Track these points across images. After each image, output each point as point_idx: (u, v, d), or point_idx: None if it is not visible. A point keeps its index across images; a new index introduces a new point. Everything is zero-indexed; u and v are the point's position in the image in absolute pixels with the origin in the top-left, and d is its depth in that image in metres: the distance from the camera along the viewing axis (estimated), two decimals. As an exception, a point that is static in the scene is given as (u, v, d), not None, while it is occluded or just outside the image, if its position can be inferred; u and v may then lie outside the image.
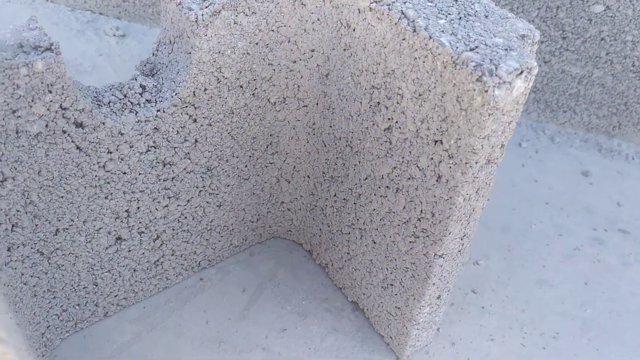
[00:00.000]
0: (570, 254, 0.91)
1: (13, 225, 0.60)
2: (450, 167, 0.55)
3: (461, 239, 0.63)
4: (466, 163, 0.53)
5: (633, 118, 1.07)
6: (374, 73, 0.60)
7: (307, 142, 0.75)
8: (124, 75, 1.10)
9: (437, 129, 0.55)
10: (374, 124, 0.63)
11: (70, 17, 1.21)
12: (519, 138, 1.10)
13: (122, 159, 0.64)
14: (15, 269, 0.63)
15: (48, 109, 0.55)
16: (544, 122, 1.12)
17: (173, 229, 0.75)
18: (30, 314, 0.67)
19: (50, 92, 0.54)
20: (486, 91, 0.48)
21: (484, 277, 0.87)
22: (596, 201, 0.99)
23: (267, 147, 0.76)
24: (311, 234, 0.85)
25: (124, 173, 0.65)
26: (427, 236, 0.62)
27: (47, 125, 0.56)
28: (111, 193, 0.65)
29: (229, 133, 0.71)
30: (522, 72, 0.49)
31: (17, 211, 0.59)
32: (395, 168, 0.63)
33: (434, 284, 0.66)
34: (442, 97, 0.53)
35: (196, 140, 0.69)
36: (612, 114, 1.08)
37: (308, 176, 0.79)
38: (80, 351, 0.73)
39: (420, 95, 0.55)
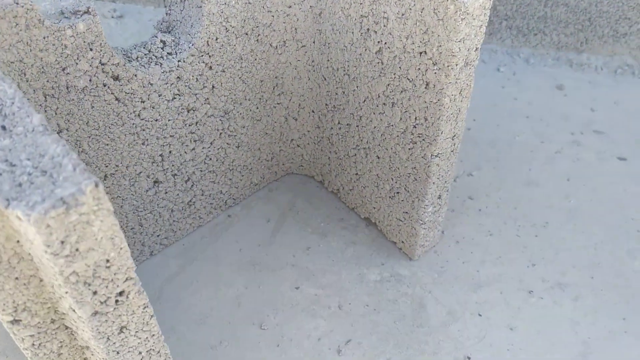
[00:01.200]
0: (552, 156, 1.02)
1: (70, 173, 0.70)
2: (435, 72, 0.65)
3: (452, 139, 0.73)
4: (448, 66, 0.63)
5: (598, 32, 1.17)
6: (361, 3, 0.70)
7: (309, 79, 0.85)
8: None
9: (421, 42, 0.65)
10: (366, 49, 0.73)
11: (70, 5, 1.29)
12: (497, 64, 1.20)
13: (153, 107, 0.73)
14: (75, 212, 0.73)
15: (90, 65, 0.65)
16: (517, 46, 1.22)
17: (201, 171, 0.85)
18: (91, 253, 0.78)
19: (91, 49, 0.64)
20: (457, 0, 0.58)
21: (478, 185, 0.98)
22: (571, 110, 1.10)
23: (273, 88, 0.86)
24: (321, 165, 0.95)
25: (156, 120, 0.75)
26: (423, 139, 0.73)
27: (90, 80, 0.66)
28: (147, 139, 0.75)
29: (240, 78, 0.81)
30: (484, -20, 0.59)
31: (73, 159, 0.69)
32: (388, 85, 0.73)
33: (434, 183, 0.77)
34: (422, 12, 0.63)
35: (213, 86, 0.78)
36: (578, 30, 1.18)
37: (312, 111, 0.89)
38: (134, 286, 0.84)
39: (402, 14, 0.65)
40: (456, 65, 0.63)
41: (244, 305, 0.82)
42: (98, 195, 0.40)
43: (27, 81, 0.60)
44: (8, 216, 0.39)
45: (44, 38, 0.59)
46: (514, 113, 1.10)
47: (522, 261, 0.87)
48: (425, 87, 0.68)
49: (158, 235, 0.86)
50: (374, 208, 0.89)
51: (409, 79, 0.69)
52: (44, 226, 0.38)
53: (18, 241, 0.41)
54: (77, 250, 0.41)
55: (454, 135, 0.73)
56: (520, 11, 1.17)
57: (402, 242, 0.87)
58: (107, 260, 0.44)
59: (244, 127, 0.87)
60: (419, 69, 0.67)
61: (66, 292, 0.43)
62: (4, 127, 0.44)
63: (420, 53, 0.66)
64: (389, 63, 0.71)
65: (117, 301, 0.47)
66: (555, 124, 1.07)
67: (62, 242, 0.40)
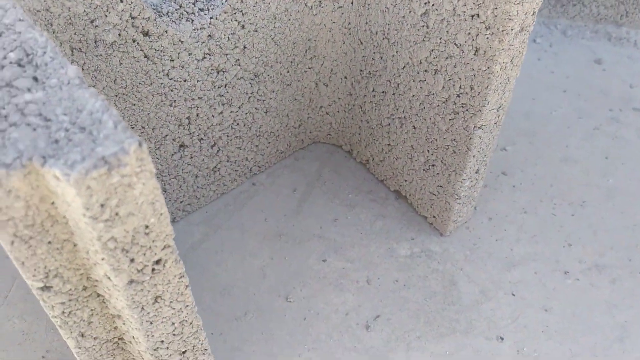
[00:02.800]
0: (591, 133, 0.98)
1: (95, 133, 0.67)
2: (487, 37, 0.61)
3: (497, 110, 0.69)
4: (503, 31, 0.59)
5: (639, 5, 1.12)
6: (408, -39, 0.65)
7: (343, 42, 0.81)
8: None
9: (474, 3, 0.60)
10: (410, 11, 0.68)
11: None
12: (533, 35, 1.15)
13: (182, 67, 0.69)
14: (99, 174, 0.70)
15: (120, 18, 0.61)
16: (555, 17, 1.17)
17: (227, 136, 0.82)
18: (113, 217, 0.75)
19: (121, 1, 0.59)
20: (520, -43, 0.54)
21: (512, 160, 0.94)
22: (610, 85, 1.05)
23: (306, 51, 0.82)
24: (350, 134, 0.91)
25: (185, 80, 0.71)
26: (467, 110, 0.69)
27: (120, 34, 0.62)
28: (174, 100, 0.72)
29: (272, 39, 0.76)
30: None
31: (99, 118, 0.66)
32: (433, 50, 0.69)
33: (474, 156, 0.73)
34: (478, -29, 0.58)
35: (244, 47, 0.74)
36: (619, 3, 1.13)
37: (345, 77, 0.85)
38: (156, 253, 0.81)
39: (455, -27, 0.61)
40: (511, 30, 0.59)
41: (269, 276, 0.79)
42: (142, 156, 0.36)
43: (53, 32, 0.57)
44: (44, 175, 0.36)
45: (73, -14, 0.55)
46: (551, 86, 1.05)
47: (558, 241, 0.84)
48: (474, 54, 0.64)
49: (181, 202, 0.83)
50: (406, 181, 0.85)
51: (456, 44, 0.65)
52: (84, 187, 0.35)
53: (53, 203, 0.38)
54: (116, 214, 0.38)
55: (500, 107, 0.69)
56: (560, -21, 1.11)
57: (434, 217, 0.84)
58: (147, 227, 0.40)
59: (273, 92, 0.83)
60: (469, 33, 0.63)
61: (102, 259, 0.40)
62: (36, 79, 0.40)
63: (472, 16, 0.61)
64: (435, 27, 0.66)
65: (153, 270, 0.44)
66: (594, 99, 1.03)
67: (102, 206, 0.36)
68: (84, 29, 0.59)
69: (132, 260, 0.42)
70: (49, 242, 0.40)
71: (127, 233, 0.40)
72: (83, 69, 0.61)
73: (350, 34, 0.79)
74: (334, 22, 0.79)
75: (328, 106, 0.90)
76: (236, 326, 0.75)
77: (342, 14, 0.78)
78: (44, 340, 0.73)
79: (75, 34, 0.58)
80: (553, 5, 1.16)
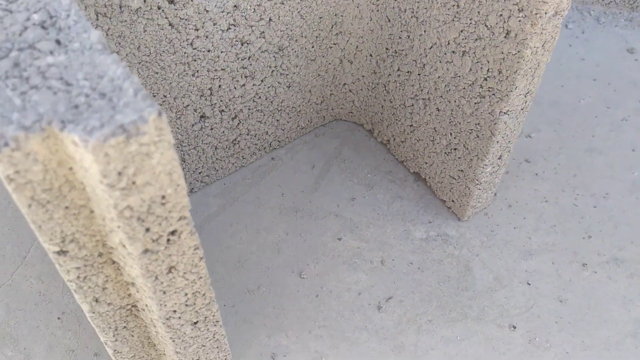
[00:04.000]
0: (618, 124, 0.95)
1: (116, 100, 0.67)
2: (520, 20, 0.59)
3: (525, 96, 0.67)
4: (536, 14, 0.57)
5: (680, -7, 1.08)
6: (442, -63, 0.63)
7: (371, 19, 0.79)
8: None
9: (508, -16, 0.58)
10: (441, -10, 0.67)
11: None
12: (566, 20, 1.12)
13: (207, 37, 0.69)
14: (119, 141, 0.70)
15: (146, -16, 0.60)
16: (589, 3, 1.14)
17: (249, 109, 0.81)
18: (132, 185, 0.75)
19: (148, -33, 0.59)
20: (559, -62, 0.52)
21: (536, 147, 0.92)
22: (642, 75, 1.03)
23: (332, 27, 0.81)
24: (372, 113, 0.90)
25: (208, 51, 0.70)
26: (493, 94, 0.67)
27: (145, 1, 0.61)
28: (197, 70, 0.71)
29: (298, 12, 0.75)
30: None
31: (121, 85, 0.66)
32: (462, 31, 0.67)
33: (497, 142, 0.71)
34: (514, -50, 0.56)
35: (270, 19, 0.73)
36: (659, -10, 1.09)
37: (370, 55, 0.84)
38: (173, 222, 0.82)
39: (490, -48, 0.59)
40: (545, 13, 0.57)
41: (284, 251, 0.79)
42: (161, 126, 0.36)
43: (79, -4, 0.56)
44: (62, 140, 0.36)
45: (100, -50, 0.55)
46: (581, 74, 1.03)
47: (578, 232, 0.82)
48: (505, 36, 0.62)
49: (200, 173, 0.83)
50: (426, 163, 0.84)
51: (487, 26, 0.63)
52: (102, 154, 0.34)
53: (71, 168, 0.38)
54: (133, 183, 0.38)
55: (528, 92, 0.67)
56: (598, -37, 1.08)
57: (453, 201, 0.83)
58: (163, 197, 0.40)
59: (297, 67, 0.82)
60: (501, 15, 0.61)
61: (118, 227, 0.40)
62: (58, 42, 0.40)
63: (505, -2, 0.60)
64: (466, 7, 0.65)
65: (168, 240, 0.44)
66: (624, 89, 1.00)
67: (120, 174, 0.36)
68: (109, -7, 0.58)
69: (147, 230, 0.42)
70: (66, 207, 0.40)
71: (144, 202, 0.39)
72: (107, 35, 0.61)
73: (378, 10, 0.78)
74: (362, -2, 0.78)
75: (351, 84, 0.89)
76: (249, 299, 0.75)
77: (371, -11, 0.76)
78: (59, 302, 0.74)
79: (100, -2, 0.58)
80: (588, -10, 1.12)
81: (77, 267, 0.44)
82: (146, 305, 0.50)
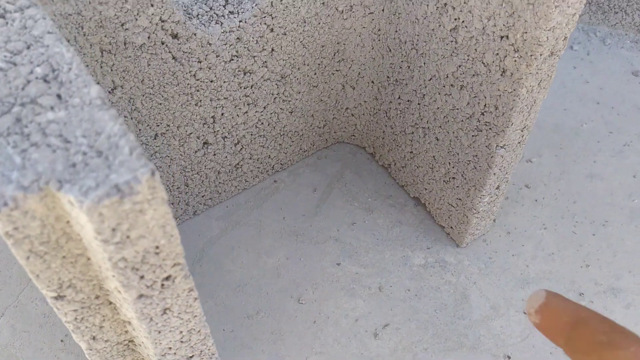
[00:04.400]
0: (620, 149, 0.95)
1: (120, 130, 0.68)
2: (515, 60, 0.60)
3: (522, 130, 0.68)
4: (531, 55, 0.58)
5: (686, 16, 1.08)
6: (441, -24, 0.64)
7: (372, 48, 0.80)
8: None
9: (504, 25, 0.59)
10: (440, 25, 0.67)
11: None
12: (571, 41, 1.12)
13: (209, 68, 0.70)
14: (123, 169, 0.72)
15: (150, 22, 0.61)
16: (595, 24, 1.14)
17: (251, 134, 0.82)
18: (135, 210, 0.77)
19: (152, 5, 0.60)
20: (553, -15, 0.52)
21: (536, 173, 0.93)
22: (646, 100, 1.03)
23: (334, 54, 0.82)
24: (374, 137, 0.91)
25: (211, 81, 0.72)
26: (490, 129, 0.68)
27: (149, 37, 0.62)
28: (200, 100, 0.73)
29: (301, 42, 0.76)
30: (587, -34, 0.53)
31: (125, 117, 0.67)
32: (460, 66, 0.68)
33: (494, 174, 0.72)
34: (510, -6, 0.57)
35: (272, 50, 0.74)
36: (665, 13, 1.09)
37: (372, 82, 0.85)
38: (175, 244, 0.83)
39: (487, -6, 0.59)
40: (540, 55, 0.58)
41: (283, 276, 0.81)
42: (154, 185, 0.37)
43: (84, 35, 0.58)
44: (60, 198, 0.37)
45: (104, -9, 0.56)
46: (584, 98, 1.03)
47: (576, 260, 0.83)
48: (501, 74, 0.63)
49: (203, 196, 0.85)
50: (425, 189, 0.85)
51: (483, 63, 0.64)
52: (96, 214, 0.36)
53: (68, 222, 0.40)
54: (127, 237, 0.39)
55: (524, 127, 0.68)
56: (603, -14, 1.08)
57: (451, 227, 0.84)
58: (157, 247, 0.42)
59: (299, 93, 0.83)
60: (497, 54, 0.62)
61: (113, 276, 0.42)
62: (59, 96, 0.41)
63: (502, 37, 0.60)
64: (464, 43, 0.65)
65: (163, 285, 0.45)
66: (628, 114, 1.00)
67: (114, 230, 0.38)
68: (114, 31, 0.60)
69: (142, 277, 0.43)
70: (64, 257, 0.42)
71: (138, 253, 0.41)
72: (111, 70, 0.62)
73: (379, 40, 0.79)
74: (364, 27, 0.79)
75: (354, 108, 0.90)
76: (247, 324, 0.76)
77: (373, 20, 0.77)
78: (62, 324, 0.76)
79: (105, 36, 0.59)
80: (594, 12, 1.12)
81: (74, 310, 0.46)
82: (142, 342, 0.52)
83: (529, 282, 0.80)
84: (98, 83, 0.62)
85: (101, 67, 0.61)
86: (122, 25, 0.60)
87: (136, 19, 0.60)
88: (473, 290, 0.80)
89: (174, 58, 0.66)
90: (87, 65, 0.59)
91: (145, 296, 0.45)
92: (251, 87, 0.76)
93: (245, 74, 0.74)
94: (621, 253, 0.84)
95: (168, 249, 0.43)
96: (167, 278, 0.45)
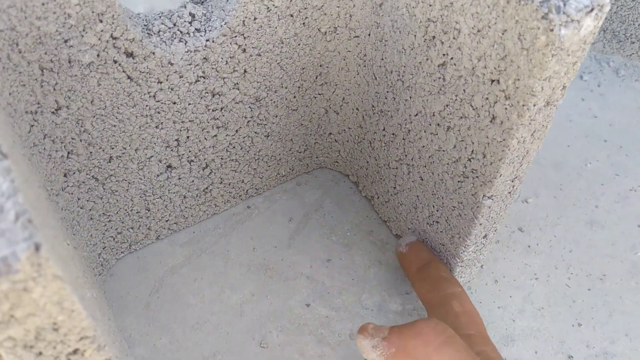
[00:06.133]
0: (626, 194, 0.88)
1: (69, 153, 0.62)
2: (506, 108, 0.53)
3: (512, 181, 0.61)
4: (523, 105, 0.51)
5: None
6: (430, 5, 0.57)
7: (358, 73, 0.74)
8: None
9: (495, 68, 0.52)
10: (427, 59, 0.60)
11: None
12: (581, 70, 1.04)
13: (171, 89, 0.64)
14: (72, 193, 0.65)
15: (99, 39, 0.55)
16: (609, 53, 1.06)
17: (222, 158, 0.76)
18: (88, 235, 0.70)
19: (101, 21, 0.54)
20: (552, 30, 0.45)
21: (532, 215, 0.86)
22: (658, 140, 0.95)
23: (316, 77, 0.75)
24: (358, 166, 0.84)
25: (174, 103, 0.65)
26: (477, 177, 0.61)
27: (98, 55, 0.56)
28: (162, 122, 0.66)
29: (278, 63, 0.70)
30: (592, 10, 0.45)
31: (72, 139, 0.61)
32: (447, 106, 0.61)
33: (480, 224, 0.65)
34: (503, 34, 0.50)
35: (245, 71, 0.68)
36: (685, 46, 1.01)
37: (357, 108, 0.78)
38: (134, 271, 0.77)
39: (479, 31, 0.52)
40: (534, 105, 0.51)
41: (246, 315, 0.74)
42: (38, 262, 0.31)
43: (19, 52, 0.51)
44: None
45: (43, 5, 0.50)
46: (591, 134, 0.95)
47: (568, 318, 0.76)
48: (491, 121, 0.56)
49: (167, 221, 0.78)
50: (409, 229, 0.78)
51: (472, 106, 0.57)
52: (-40, 297, 0.30)
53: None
54: (11, 316, 0.33)
55: (515, 178, 0.61)
56: (620, 14, 1.00)
57: (434, 272, 0.77)
58: (54, 323, 0.35)
59: (276, 117, 0.76)
60: (487, 98, 0.55)
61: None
62: (-50, 138, 0.35)
63: (492, 81, 0.53)
64: (452, 82, 0.58)
65: (69, 359, 0.39)
66: (636, 154, 0.93)
67: (-11, 312, 0.31)
68: (56, 48, 0.53)
69: (39, 354, 0.37)
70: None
71: (29, 332, 0.35)
72: (54, 89, 0.56)
73: (365, 65, 0.72)
74: (349, 51, 0.72)
75: (337, 134, 0.83)
76: (202, 367, 0.70)
77: (358, 44, 0.70)
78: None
79: (45, 53, 0.53)
80: (608, 40, 1.04)
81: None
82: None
83: (514, 340, 0.74)
84: (38, 103, 0.55)
85: (41, 86, 0.54)
86: (66, 42, 0.53)
87: (82, 36, 0.53)
88: (451, 344, 0.73)
89: (129, 78, 0.60)
90: (24, 85, 0.53)
91: (46, 371, 0.39)
92: (221, 110, 0.70)
93: (213, 95, 0.68)
94: (618, 313, 0.76)
95: (70, 324, 0.36)
96: (75, 352, 0.39)
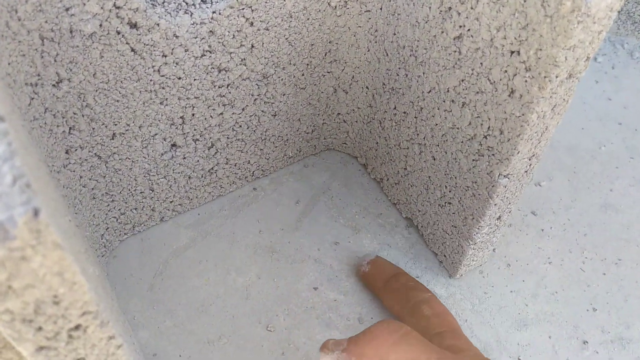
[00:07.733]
0: (641, 178, 0.86)
1: (70, 128, 0.60)
2: (526, 80, 0.51)
3: (529, 159, 0.59)
4: (545, 77, 0.49)
5: None
6: (447, -26, 0.55)
7: (368, 50, 0.71)
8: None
9: (515, 38, 0.50)
10: (442, 32, 0.58)
11: None
12: (595, 52, 1.01)
13: (177, 64, 0.61)
14: (74, 171, 0.63)
15: (102, 7, 0.53)
16: (623, 34, 1.03)
17: (227, 138, 0.74)
18: (90, 215, 0.69)
19: (103, -11, 0.51)
20: (577, -5, 0.43)
21: (545, 198, 0.83)
22: (674, 123, 0.93)
23: (325, 54, 0.73)
24: (367, 148, 0.82)
25: (179, 78, 0.63)
26: (493, 155, 0.59)
27: (101, 25, 0.54)
28: (166, 99, 0.64)
29: (286, 39, 0.67)
30: (620, -26, 0.43)
31: (74, 114, 0.59)
32: (463, 81, 0.58)
33: (495, 204, 0.63)
34: (525, 1, 0.48)
35: (252, 46, 0.65)
36: (702, 27, 0.98)
37: (367, 87, 0.75)
38: (138, 253, 0.75)
39: (498, -1, 0.50)
40: (556, 77, 0.49)
41: (253, 298, 0.73)
42: (37, 228, 0.29)
43: (18, 20, 0.49)
44: None
45: (43, -30, 0.48)
46: (605, 117, 0.93)
47: (582, 302, 0.74)
48: (509, 95, 0.53)
49: (171, 202, 0.76)
50: (419, 211, 0.76)
51: (489, 80, 0.55)
52: (-46, 265, 0.28)
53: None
54: (9, 287, 0.31)
55: (533, 155, 0.59)
56: (636, -7, 0.97)
57: (445, 256, 0.75)
58: (55, 296, 0.33)
59: (284, 95, 0.74)
60: (506, 71, 0.53)
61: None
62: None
63: (512, 52, 0.51)
64: (469, 55, 0.56)
65: (70, 335, 0.37)
66: (652, 138, 0.91)
67: (-15, 281, 0.29)
68: (57, 17, 0.51)
69: (39, 329, 0.35)
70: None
71: (27, 305, 0.33)
72: (55, 61, 0.54)
73: (376, 41, 0.70)
74: (359, 26, 0.70)
75: (346, 114, 0.81)
76: (207, 350, 0.68)
77: (370, 19, 0.68)
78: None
79: (46, 22, 0.51)
80: (623, 21, 1.02)
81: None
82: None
83: (526, 324, 0.72)
84: (39, 75, 0.53)
85: (42, 57, 0.52)
86: (67, 10, 0.51)
87: (84, 4, 0.51)
88: (464, 328, 0.71)
89: (132, 50, 0.57)
90: (24, 55, 0.51)
91: (47, 348, 0.37)
92: (227, 87, 0.67)
93: (220, 71, 0.65)
94: (634, 298, 0.74)
95: (71, 297, 0.34)
96: (76, 328, 0.37)
